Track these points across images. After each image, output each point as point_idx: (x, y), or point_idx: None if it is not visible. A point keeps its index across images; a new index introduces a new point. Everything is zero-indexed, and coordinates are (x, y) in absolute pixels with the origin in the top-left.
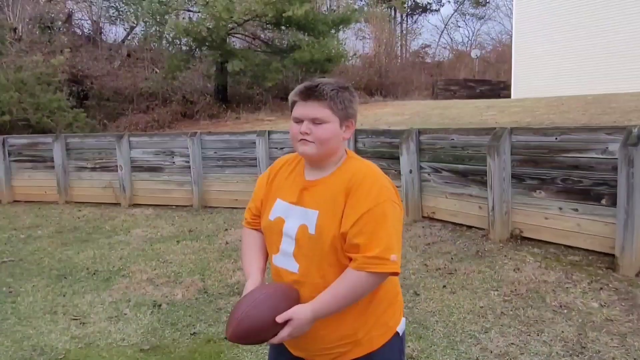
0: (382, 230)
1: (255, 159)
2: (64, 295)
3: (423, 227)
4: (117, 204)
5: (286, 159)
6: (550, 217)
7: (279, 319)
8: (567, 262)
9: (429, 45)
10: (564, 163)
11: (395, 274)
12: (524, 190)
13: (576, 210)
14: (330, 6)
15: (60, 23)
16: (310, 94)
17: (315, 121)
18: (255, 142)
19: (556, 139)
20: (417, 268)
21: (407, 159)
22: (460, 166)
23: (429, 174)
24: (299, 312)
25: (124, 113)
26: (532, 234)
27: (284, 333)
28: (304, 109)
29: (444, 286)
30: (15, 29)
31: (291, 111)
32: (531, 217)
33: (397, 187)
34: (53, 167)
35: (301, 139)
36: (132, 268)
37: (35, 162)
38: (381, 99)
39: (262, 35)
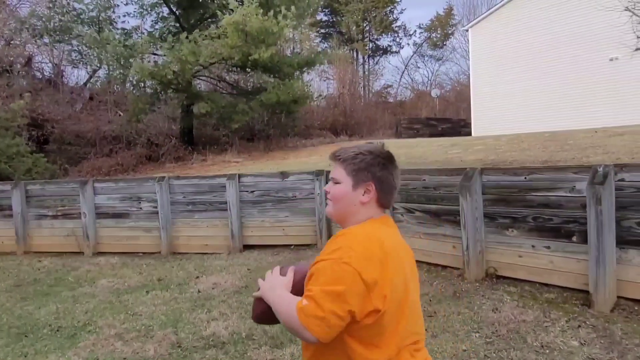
0: (310, 284)
1: (226, 203)
2: (25, 356)
3: None
4: (80, 253)
5: None
6: (523, 255)
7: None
8: (543, 300)
9: (390, 86)
10: (534, 202)
11: (313, 332)
12: (497, 229)
13: (548, 247)
14: (294, 49)
15: (19, 66)
16: (332, 155)
17: (333, 181)
18: (225, 186)
19: (525, 178)
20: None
21: None
22: (433, 206)
23: (402, 215)
24: (273, 281)
25: (86, 157)
26: (507, 272)
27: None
28: (332, 170)
29: (425, 330)
30: None
31: None
32: (505, 255)
33: None
34: (11, 215)
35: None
36: (99, 322)
37: None
38: (347, 139)
39: (228, 78)
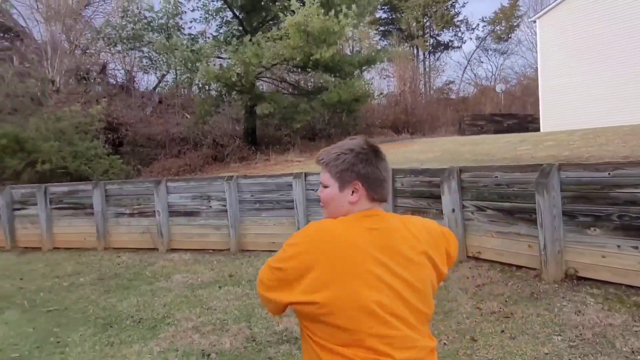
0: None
1: (292, 201)
2: (111, 345)
3: (470, 267)
4: (154, 249)
5: None
6: (607, 255)
7: None
8: (631, 303)
9: (452, 82)
10: (619, 199)
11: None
12: (577, 228)
13: (636, 247)
14: (353, 48)
15: (95, 74)
16: (317, 160)
17: (322, 185)
18: (291, 184)
19: (609, 174)
20: (470, 312)
21: (450, 198)
22: (506, 204)
23: (472, 213)
24: None
25: (156, 158)
26: (589, 273)
27: None
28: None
29: (502, 331)
30: (53, 81)
31: None
32: (586, 255)
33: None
34: (92, 213)
35: None
36: (177, 315)
37: (75, 209)
38: (408, 137)
39: (289, 78)
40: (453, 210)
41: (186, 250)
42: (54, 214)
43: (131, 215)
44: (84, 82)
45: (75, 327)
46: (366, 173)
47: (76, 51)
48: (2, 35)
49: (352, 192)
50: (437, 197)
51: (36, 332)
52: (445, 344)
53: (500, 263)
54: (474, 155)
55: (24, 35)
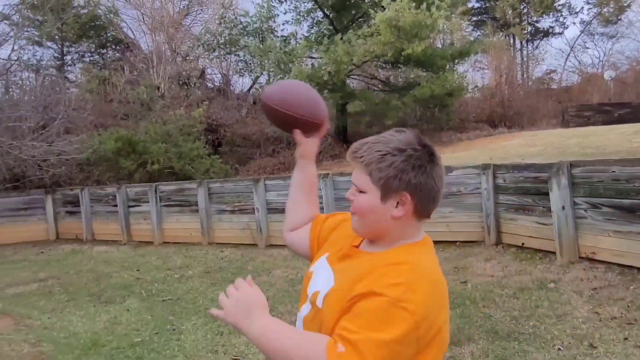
0: (349, 321)
1: None
2: (221, 335)
3: (584, 269)
4: (254, 245)
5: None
6: None
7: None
8: None
9: (554, 70)
10: None
11: None
12: None
13: None
14: (444, 41)
15: (195, 79)
16: (352, 155)
17: (356, 188)
18: None
19: None
20: (587, 316)
21: (559, 195)
22: (626, 201)
23: (585, 211)
24: (245, 299)
25: (252, 157)
26: None
27: (221, 306)
28: (353, 172)
29: (626, 338)
30: (159, 87)
31: None
32: None
33: (548, 224)
34: (197, 210)
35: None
36: (280, 309)
37: (182, 206)
38: (506, 130)
39: (379, 75)
40: (563, 208)
41: (283, 246)
42: (163, 211)
43: (232, 212)
44: (185, 87)
45: (188, 316)
46: (418, 183)
47: (177, 58)
48: (114, 47)
49: (397, 204)
50: (544, 194)
51: (154, 320)
52: (559, 349)
53: (619, 265)
54: (582, 149)
55: (132, 46)
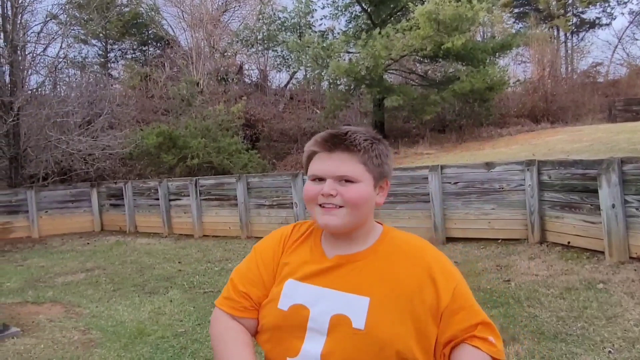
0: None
1: (428, 194)
2: None
3: (635, 269)
4: None
5: (279, 237)
6: None
7: None
8: None
9: (600, 63)
10: None
11: None
12: None
13: None
14: (484, 34)
15: (233, 74)
16: (338, 143)
17: (344, 179)
18: (427, 177)
19: None
20: (639, 319)
21: (609, 192)
22: None
23: (637, 209)
24: None
25: (289, 152)
26: None
27: None
28: (328, 164)
29: None
30: (198, 83)
31: (306, 167)
32: None
33: (596, 223)
34: (236, 204)
35: (323, 205)
36: None
37: (221, 200)
38: (549, 126)
39: (418, 69)
40: (613, 206)
41: None
42: (203, 205)
43: (270, 206)
44: (223, 82)
45: None
46: (392, 169)
47: (216, 54)
48: (155, 44)
49: (379, 191)
50: (593, 191)
51: (196, 311)
52: (610, 352)
53: None
54: (632, 145)
55: (172, 43)
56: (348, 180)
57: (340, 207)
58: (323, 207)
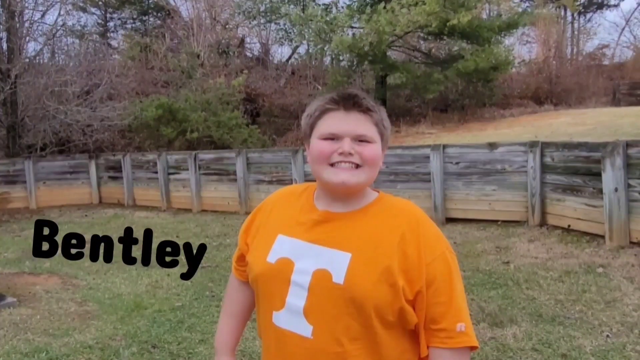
0: (453, 290)
1: (429, 174)
2: None
3: (635, 254)
4: None
5: (285, 192)
6: None
7: None
8: None
9: (606, 45)
10: None
11: (474, 348)
12: None
13: None
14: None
15: (234, 47)
16: (356, 103)
17: (360, 139)
18: (428, 156)
19: None
20: (638, 303)
21: (612, 176)
22: None
23: (639, 193)
24: None
25: (290, 128)
26: None
27: None
28: (346, 122)
29: None
30: (198, 55)
31: (312, 125)
32: None
33: (597, 207)
34: (235, 180)
35: (341, 162)
36: None
37: (220, 175)
38: (552, 108)
39: (422, 47)
40: (616, 190)
41: None
42: (202, 179)
43: (270, 182)
44: (225, 55)
45: (226, 284)
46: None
47: (217, 27)
48: (155, 14)
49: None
50: (596, 174)
51: (194, 285)
52: (608, 336)
53: None
54: (636, 129)
55: (173, 14)
56: (363, 140)
57: (358, 166)
58: (335, 166)
